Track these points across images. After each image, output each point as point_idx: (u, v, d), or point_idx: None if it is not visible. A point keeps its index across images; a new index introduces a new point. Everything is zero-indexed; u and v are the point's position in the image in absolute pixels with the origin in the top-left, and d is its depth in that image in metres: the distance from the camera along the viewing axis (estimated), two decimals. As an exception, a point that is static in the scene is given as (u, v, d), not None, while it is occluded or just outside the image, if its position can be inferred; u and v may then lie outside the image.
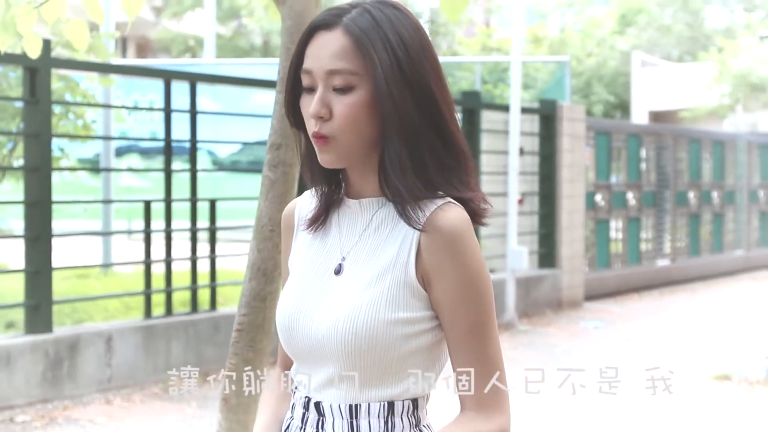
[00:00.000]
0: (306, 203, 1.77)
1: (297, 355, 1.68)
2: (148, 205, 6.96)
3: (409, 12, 1.64)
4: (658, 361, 7.57)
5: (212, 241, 7.32)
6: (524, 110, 10.11)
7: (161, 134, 14.39)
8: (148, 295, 6.89)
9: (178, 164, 16.69)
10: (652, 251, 12.85)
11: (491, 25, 31.28)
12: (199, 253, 7.25)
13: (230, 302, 7.91)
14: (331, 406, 1.62)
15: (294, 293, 1.69)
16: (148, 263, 6.96)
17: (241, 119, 12.62)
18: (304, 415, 1.66)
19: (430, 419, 1.67)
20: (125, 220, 16.58)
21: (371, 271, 1.61)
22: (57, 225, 14.81)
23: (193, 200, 7.18)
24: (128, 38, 30.51)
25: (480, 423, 1.59)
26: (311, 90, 1.61)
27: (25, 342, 5.96)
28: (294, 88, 1.65)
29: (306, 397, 1.67)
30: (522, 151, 10.14)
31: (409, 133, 1.58)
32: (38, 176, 6.11)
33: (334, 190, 1.70)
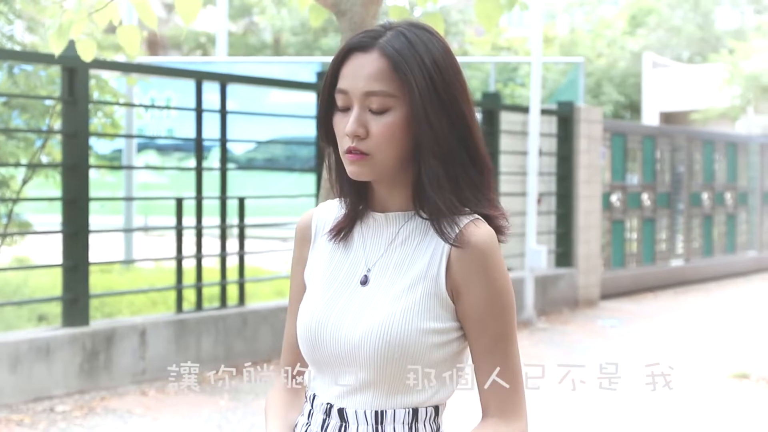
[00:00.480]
0: (324, 214, 1.82)
1: (321, 362, 1.71)
2: (179, 202, 7.11)
3: (439, 34, 1.70)
4: (676, 359, 7.72)
5: (241, 237, 7.47)
6: (542, 111, 10.24)
7: (177, 132, 14.66)
8: (179, 290, 7.05)
9: (193, 162, 16.94)
10: (666, 251, 12.99)
11: (500, 25, 31.37)
12: (228, 250, 7.40)
13: (258, 298, 8.07)
14: (356, 412, 1.67)
15: (319, 303, 1.73)
16: (179, 259, 7.11)
17: (256, 118, 12.73)
18: (324, 421, 1.71)
19: (445, 427, 1.75)
20: (142, 216, 16.76)
21: (401, 283, 1.67)
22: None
23: (223, 198, 7.34)
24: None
25: (502, 428, 1.67)
26: (346, 109, 1.67)
27: (63, 335, 6.12)
28: (328, 105, 1.71)
29: (327, 403, 1.71)
30: (540, 152, 10.28)
31: (444, 153, 1.64)
32: (76, 174, 6.26)
33: (359, 203, 1.76)
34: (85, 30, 3.84)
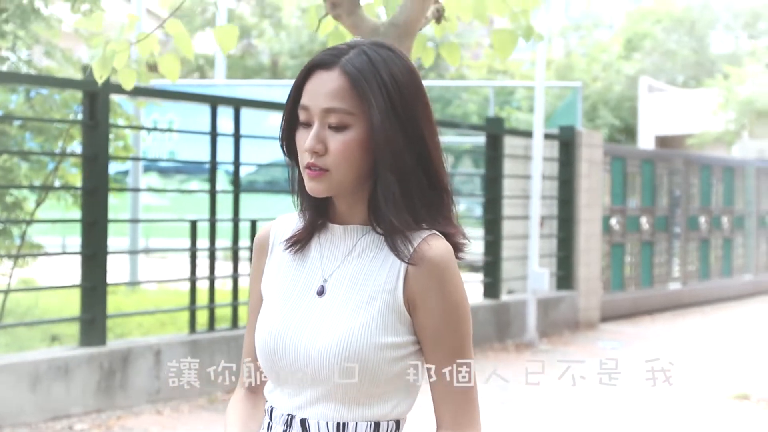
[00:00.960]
0: (282, 227, 1.84)
1: (281, 375, 1.73)
2: (194, 224, 7.25)
3: (404, 54, 1.73)
4: (677, 380, 7.87)
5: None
6: (544, 136, 10.42)
7: (179, 154, 14.81)
8: (192, 310, 7.18)
9: (195, 184, 17.11)
10: (664, 274, 13.15)
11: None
12: (240, 271, 7.55)
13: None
14: (318, 423, 1.69)
15: (277, 315, 1.75)
16: (193, 280, 7.25)
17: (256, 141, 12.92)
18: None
19: None
20: (143, 237, 16.89)
21: (359, 296, 1.70)
22: (76, 242, 15.06)
23: (235, 220, 7.49)
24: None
25: None
26: (307, 125, 1.70)
27: (81, 354, 6.25)
28: (291, 120, 1.74)
29: (288, 414, 1.72)
30: (543, 176, 10.45)
31: (400, 171, 1.66)
32: (96, 197, 6.41)
33: (319, 216, 1.78)
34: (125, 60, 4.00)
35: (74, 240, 15.99)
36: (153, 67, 5.14)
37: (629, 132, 27.60)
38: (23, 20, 7.97)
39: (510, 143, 10.62)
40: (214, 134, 7.29)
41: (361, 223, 1.74)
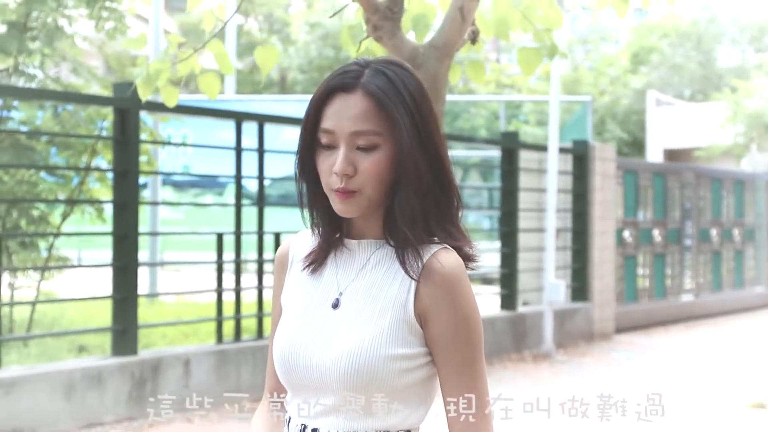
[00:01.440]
0: (301, 243, 1.88)
1: (295, 385, 1.77)
2: (220, 237, 7.41)
3: (412, 69, 1.78)
4: (694, 390, 7.99)
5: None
6: (558, 150, 10.57)
7: (193, 168, 15.00)
8: (219, 321, 7.33)
9: (210, 197, 17.29)
10: (677, 286, 13.29)
11: (501, 62, 31.82)
12: (265, 283, 7.70)
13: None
14: None
15: (293, 327, 1.78)
16: (219, 291, 7.40)
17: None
18: None
19: None
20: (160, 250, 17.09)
21: (371, 308, 1.72)
22: (91, 255, 15.16)
23: (260, 233, 7.64)
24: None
25: None
26: (329, 147, 1.71)
27: (114, 363, 6.40)
28: (310, 142, 1.75)
29: (302, 424, 1.76)
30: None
31: (422, 188, 1.70)
32: (126, 211, 6.57)
33: (333, 232, 1.81)
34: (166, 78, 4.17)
35: (90, 253, 16.19)
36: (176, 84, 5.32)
37: (637, 145, 27.77)
38: (50, 38, 8.16)
39: (523, 157, 10.77)
40: (239, 149, 7.46)
41: (376, 237, 1.77)
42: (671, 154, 26.13)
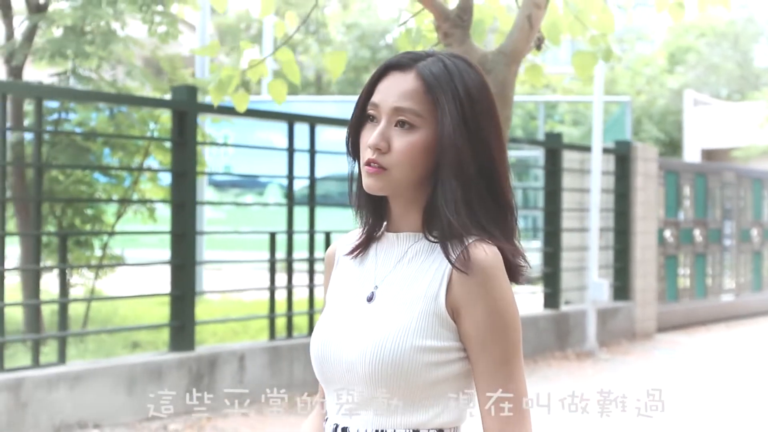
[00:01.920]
0: (347, 240, 1.87)
1: (328, 380, 1.74)
2: (273, 236, 7.58)
3: (480, 69, 1.76)
4: (741, 388, 8.07)
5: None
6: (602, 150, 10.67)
7: (234, 168, 15.25)
8: (272, 318, 7.51)
9: (250, 197, 17.53)
10: (717, 286, 13.32)
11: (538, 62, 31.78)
12: (316, 281, 7.87)
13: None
14: (358, 431, 1.69)
15: (328, 321, 1.77)
16: (272, 290, 7.57)
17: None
18: None
19: None
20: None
21: (401, 300, 1.68)
22: (134, 254, 15.46)
23: (311, 232, 7.81)
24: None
25: None
26: (374, 120, 1.72)
27: (172, 359, 6.59)
28: (360, 117, 1.75)
29: (335, 424, 1.73)
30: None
31: (463, 178, 1.66)
32: (185, 210, 6.76)
33: (377, 224, 1.79)
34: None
35: (133, 252, 16.44)
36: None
37: (674, 145, 27.70)
38: (105, 42, 8.36)
39: (566, 157, 10.87)
40: (291, 150, 7.63)
41: (414, 230, 1.74)
42: (709, 154, 26.05)
